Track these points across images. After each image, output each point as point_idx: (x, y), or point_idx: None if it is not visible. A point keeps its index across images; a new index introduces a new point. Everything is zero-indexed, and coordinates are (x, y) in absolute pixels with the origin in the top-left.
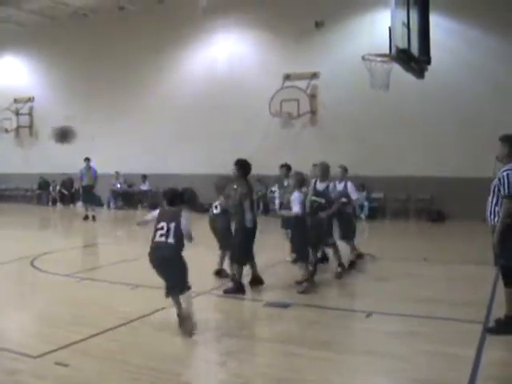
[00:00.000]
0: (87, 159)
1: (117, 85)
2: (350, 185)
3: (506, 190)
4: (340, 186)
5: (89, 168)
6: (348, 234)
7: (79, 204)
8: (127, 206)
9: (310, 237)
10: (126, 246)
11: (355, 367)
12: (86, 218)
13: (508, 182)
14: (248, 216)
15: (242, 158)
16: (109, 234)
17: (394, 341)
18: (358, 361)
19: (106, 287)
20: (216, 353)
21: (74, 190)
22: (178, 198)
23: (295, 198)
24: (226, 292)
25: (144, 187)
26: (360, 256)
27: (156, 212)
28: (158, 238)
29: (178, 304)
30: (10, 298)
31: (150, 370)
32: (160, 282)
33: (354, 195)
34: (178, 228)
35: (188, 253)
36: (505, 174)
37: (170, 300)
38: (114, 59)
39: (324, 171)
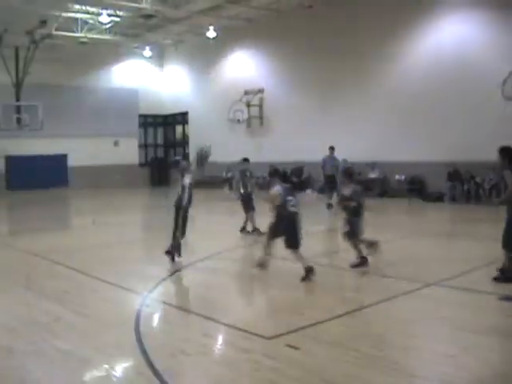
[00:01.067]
0: (331, 148)
1: (343, 74)
2: None
3: None
4: None
5: (333, 157)
6: None
7: (308, 191)
8: None
9: None
10: None
11: None
12: (329, 206)
13: None
14: None
15: (506, 145)
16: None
17: None
18: None
19: (338, 273)
20: (447, 346)
21: (304, 177)
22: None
23: None
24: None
25: (373, 175)
26: None
27: (280, 188)
28: (291, 208)
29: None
30: (245, 282)
31: (377, 358)
32: (391, 272)
33: None
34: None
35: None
36: None
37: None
38: (338, 49)
39: None
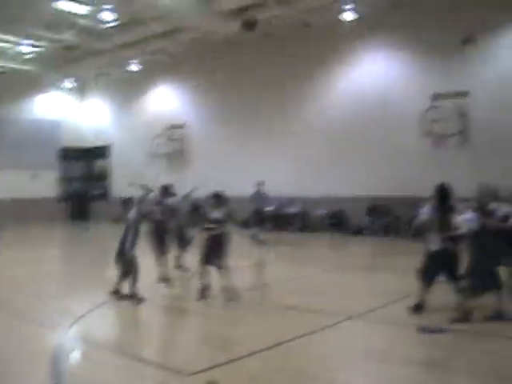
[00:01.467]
0: (260, 183)
1: (265, 109)
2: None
3: None
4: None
5: (261, 192)
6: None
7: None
8: (276, 228)
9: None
10: (277, 267)
11: None
12: (262, 241)
13: None
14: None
15: (441, 183)
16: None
17: None
18: None
19: (260, 308)
20: (369, 378)
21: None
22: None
23: (469, 217)
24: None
25: (293, 209)
26: None
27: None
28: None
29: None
30: (169, 316)
31: None
32: (313, 305)
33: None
34: None
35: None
36: None
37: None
38: (260, 85)
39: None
